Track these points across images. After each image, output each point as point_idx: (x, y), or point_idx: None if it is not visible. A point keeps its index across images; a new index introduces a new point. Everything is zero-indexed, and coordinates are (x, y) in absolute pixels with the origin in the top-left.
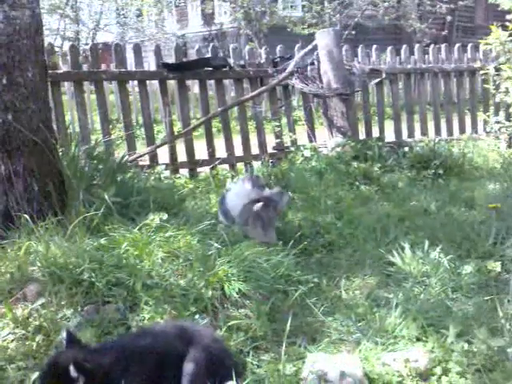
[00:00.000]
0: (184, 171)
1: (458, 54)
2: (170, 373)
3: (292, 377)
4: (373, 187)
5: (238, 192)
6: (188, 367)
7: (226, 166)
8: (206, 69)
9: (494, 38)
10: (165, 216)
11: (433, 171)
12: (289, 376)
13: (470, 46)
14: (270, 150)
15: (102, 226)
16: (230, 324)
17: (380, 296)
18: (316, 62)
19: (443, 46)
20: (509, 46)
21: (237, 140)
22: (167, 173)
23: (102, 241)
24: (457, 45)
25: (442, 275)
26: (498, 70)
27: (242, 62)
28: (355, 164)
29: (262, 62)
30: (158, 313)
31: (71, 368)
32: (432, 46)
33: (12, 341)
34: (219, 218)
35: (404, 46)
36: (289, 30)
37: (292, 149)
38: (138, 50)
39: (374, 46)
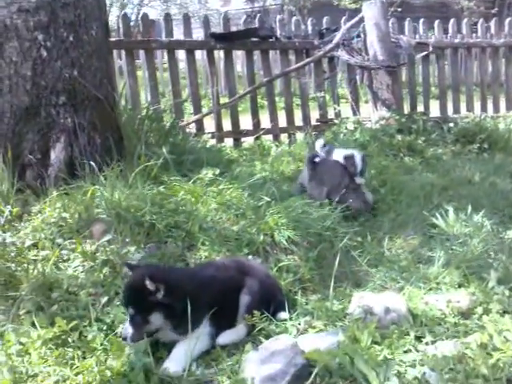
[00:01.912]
0: (228, 141)
1: (509, 28)
2: (230, 299)
3: (339, 312)
4: (416, 159)
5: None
6: (245, 296)
7: (270, 137)
8: (252, 39)
9: None
10: (217, 171)
11: (478, 145)
12: (336, 311)
13: None
14: (313, 122)
15: (159, 177)
16: (280, 265)
17: (422, 254)
18: (362, 35)
19: (493, 20)
20: None
21: (281, 113)
22: (213, 141)
23: (161, 188)
24: (508, 19)
25: (484, 236)
26: None
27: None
28: (399, 137)
29: (308, 33)
30: (214, 251)
31: (147, 282)
32: (481, 20)
33: (82, 272)
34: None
35: (452, 20)
36: (335, 3)
37: (336, 121)
38: (187, 20)
39: (422, 20)
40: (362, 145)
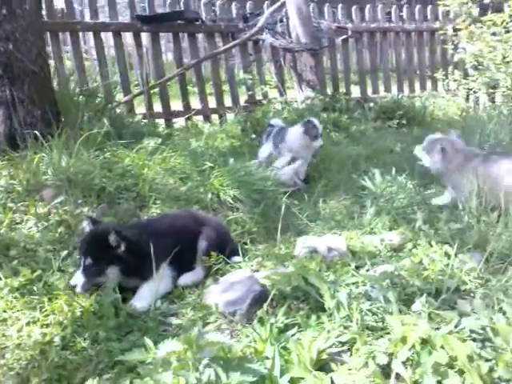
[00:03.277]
0: (160, 122)
1: (419, 15)
2: (188, 245)
3: (286, 255)
4: (342, 134)
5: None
6: (203, 241)
7: (201, 118)
8: (178, 22)
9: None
10: (159, 140)
11: (397, 121)
12: (283, 254)
13: (429, 7)
14: (242, 103)
15: (102, 146)
16: (228, 218)
17: (355, 210)
18: (285, 19)
19: (405, 7)
20: (465, 8)
21: (210, 96)
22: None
23: (107, 155)
24: (417, 6)
25: (407, 193)
26: (455, 30)
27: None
28: (324, 115)
29: (233, 17)
30: (165, 207)
31: (111, 237)
32: (394, 6)
33: (37, 232)
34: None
35: (368, 6)
36: None
37: (264, 102)
38: (112, 2)
39: (340, 5)
40: (291, 123)
